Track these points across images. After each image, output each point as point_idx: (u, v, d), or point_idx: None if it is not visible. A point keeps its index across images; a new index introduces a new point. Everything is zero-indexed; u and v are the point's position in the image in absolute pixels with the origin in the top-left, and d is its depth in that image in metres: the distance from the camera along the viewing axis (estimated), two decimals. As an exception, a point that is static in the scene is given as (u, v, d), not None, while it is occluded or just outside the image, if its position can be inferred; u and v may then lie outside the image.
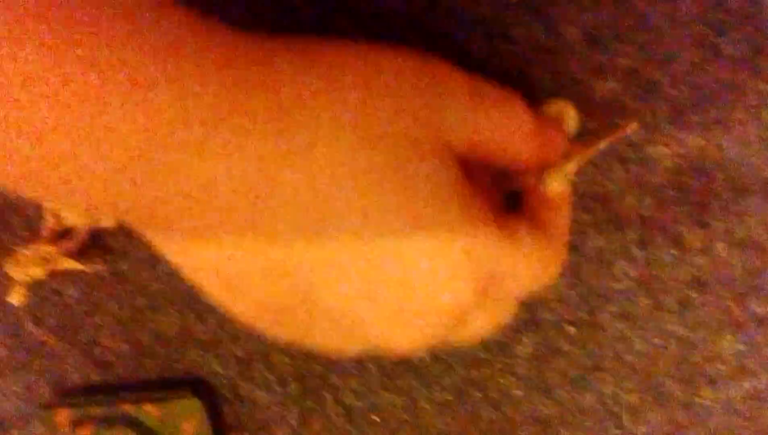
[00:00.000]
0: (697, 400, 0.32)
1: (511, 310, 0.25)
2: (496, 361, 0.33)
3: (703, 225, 0.29)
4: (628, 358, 0.32)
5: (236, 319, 0.21)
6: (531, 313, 0.32)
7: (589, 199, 0.29)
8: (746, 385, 0.32)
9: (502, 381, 0.33)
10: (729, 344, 0.31)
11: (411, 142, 0.19)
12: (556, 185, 0.25)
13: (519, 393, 0.34)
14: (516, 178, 0.25)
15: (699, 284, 0.30)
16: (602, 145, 0.25)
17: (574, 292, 0.31)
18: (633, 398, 0.33)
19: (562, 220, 0.24)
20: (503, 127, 0.22)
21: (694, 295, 0.30)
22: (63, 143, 0.15)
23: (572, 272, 0.30)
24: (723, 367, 0.31)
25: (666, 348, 0.31)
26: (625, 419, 0.33)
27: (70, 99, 0.14)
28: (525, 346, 0.33)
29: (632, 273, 0.30)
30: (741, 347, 0.31)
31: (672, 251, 0.29)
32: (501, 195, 0.25)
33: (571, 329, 0.32)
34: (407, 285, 0.20)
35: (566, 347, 0.32)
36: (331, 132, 0.17)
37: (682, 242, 0.29)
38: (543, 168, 0.24)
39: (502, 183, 0.25)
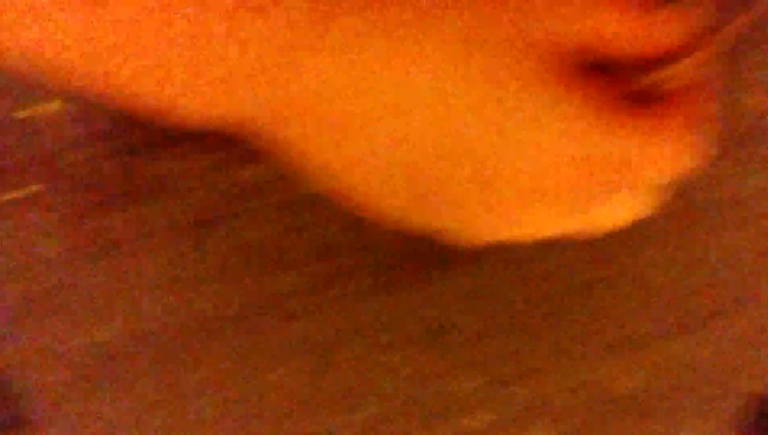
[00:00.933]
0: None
1: (647, 199, 0.25)
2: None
3: (444, 273, 0.33)
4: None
5: (385, 216, 0.23)
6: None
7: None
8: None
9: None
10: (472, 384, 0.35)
11: (513, 43, 0.20)
12: (684, 76, 0.24)
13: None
14: (644, 69, 0.24)
15: (441, 329, 0.34)
16: (731, 30, 0.23)
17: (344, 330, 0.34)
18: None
19: (692, 110, 0.24)
20: (615, 21, 0.23)
21: (441, 339, 0.34)
22: (193, 50, 0.18)
23: (332, 311, 0.33)
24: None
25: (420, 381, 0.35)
26: None
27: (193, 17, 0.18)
28: (293, 368, 0.34)
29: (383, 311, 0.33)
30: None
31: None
32: (628, 87, 0.24)
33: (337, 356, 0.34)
34: (515, 172, 0.21)
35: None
36: (436, 36, 0.20)
37: (426, 289, 0.33)
38: (669, 59, 0.24)
39: (631, 75, 0.24)
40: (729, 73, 0.28)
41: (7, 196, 0.31)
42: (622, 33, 0.23)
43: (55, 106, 0.30)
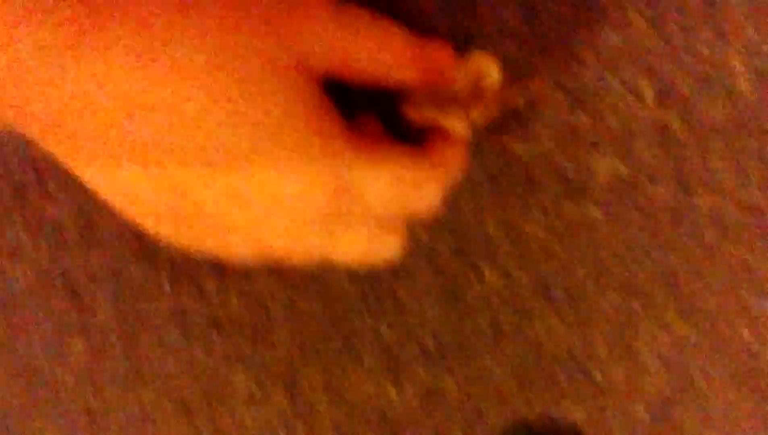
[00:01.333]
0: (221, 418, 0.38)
1: (394, 235, 0.25)
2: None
3: (221, 275, 0.35)
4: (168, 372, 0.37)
5: (148, 231, 0.23)
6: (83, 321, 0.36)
7: (131, 236, 0.34)
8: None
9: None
10: (242, 379, 0.37)
11: (264, 60, 0.21)
12: (458, 126, 0.25)
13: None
14: (411, 105, 0.25)
15: (216, 325, 0.36)
16: (512, 98, 0.25)
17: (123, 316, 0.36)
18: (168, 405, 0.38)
19: (450, 155, 0.25)
20: (371, 49, 0.23)
21: (215, 334, 0.36)
22: None
23: (115, 300, 0.35)
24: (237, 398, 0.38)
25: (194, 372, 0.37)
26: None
27: None
28: (77, 347, 0.36)
29: (165, 305, 0.36)
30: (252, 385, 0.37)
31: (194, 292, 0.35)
32: (395, 122, 0.26)
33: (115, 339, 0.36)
34: (266, 189, 0.21)
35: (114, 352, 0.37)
36: (188, 51, 0.20)
37: (203, 287, 0.35)
38: (437, 96, 0.24)
39: (396, 109, 0.25)
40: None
41: None
42: (381, 60, 0.23)
43: None
